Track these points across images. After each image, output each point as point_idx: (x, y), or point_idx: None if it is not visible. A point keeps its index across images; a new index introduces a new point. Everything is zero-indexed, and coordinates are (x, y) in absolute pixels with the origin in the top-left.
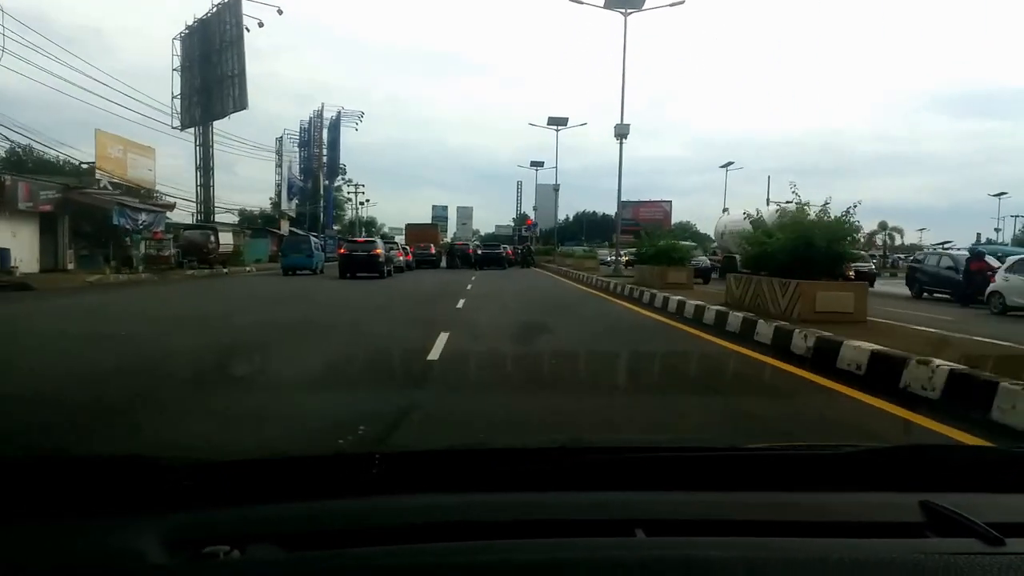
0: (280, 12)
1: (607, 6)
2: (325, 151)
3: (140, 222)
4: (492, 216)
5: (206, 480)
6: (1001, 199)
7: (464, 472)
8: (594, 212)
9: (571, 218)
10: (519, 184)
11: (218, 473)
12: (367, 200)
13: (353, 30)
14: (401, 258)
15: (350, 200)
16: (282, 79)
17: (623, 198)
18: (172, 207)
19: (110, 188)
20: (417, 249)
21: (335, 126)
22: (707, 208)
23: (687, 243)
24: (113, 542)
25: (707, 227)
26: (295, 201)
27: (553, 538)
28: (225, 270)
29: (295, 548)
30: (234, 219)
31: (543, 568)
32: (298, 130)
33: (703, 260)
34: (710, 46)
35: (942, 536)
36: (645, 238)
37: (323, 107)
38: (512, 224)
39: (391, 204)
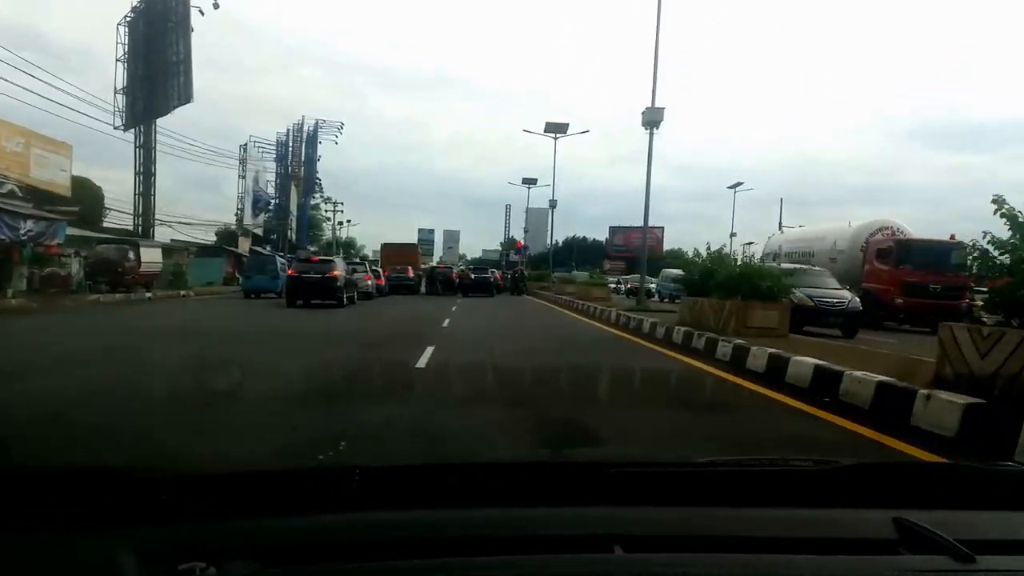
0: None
1: None
2: (303, 165)
3: (23, 232)
4: (479, 241)
5: (183, 494)
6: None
7: (443, 487)
8: (584, 237)
9: (560, 243)
10: (507, 208)
11: (195, 487)
12: (347, 221)
13: (341, 51)
14: (370, 282)
15: (329, 219)
16: (269, 99)
17: (613, 223)
18: (74, 213)
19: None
20: (392, 272)
21: (312, 138)
22: (689, 236)
23: (776, 266)
24: (87, 557)
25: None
26: (263, 217)
27: (532, 554)
28: (148, 294)
29: (273, 564)
30: (210, 238)
31: None
32: (274, 143)
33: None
34: (691, 74)
35: (915, 552)
36: (703, 259)
37: (303, 120)
38: (500, 248)
39: (377, 227)
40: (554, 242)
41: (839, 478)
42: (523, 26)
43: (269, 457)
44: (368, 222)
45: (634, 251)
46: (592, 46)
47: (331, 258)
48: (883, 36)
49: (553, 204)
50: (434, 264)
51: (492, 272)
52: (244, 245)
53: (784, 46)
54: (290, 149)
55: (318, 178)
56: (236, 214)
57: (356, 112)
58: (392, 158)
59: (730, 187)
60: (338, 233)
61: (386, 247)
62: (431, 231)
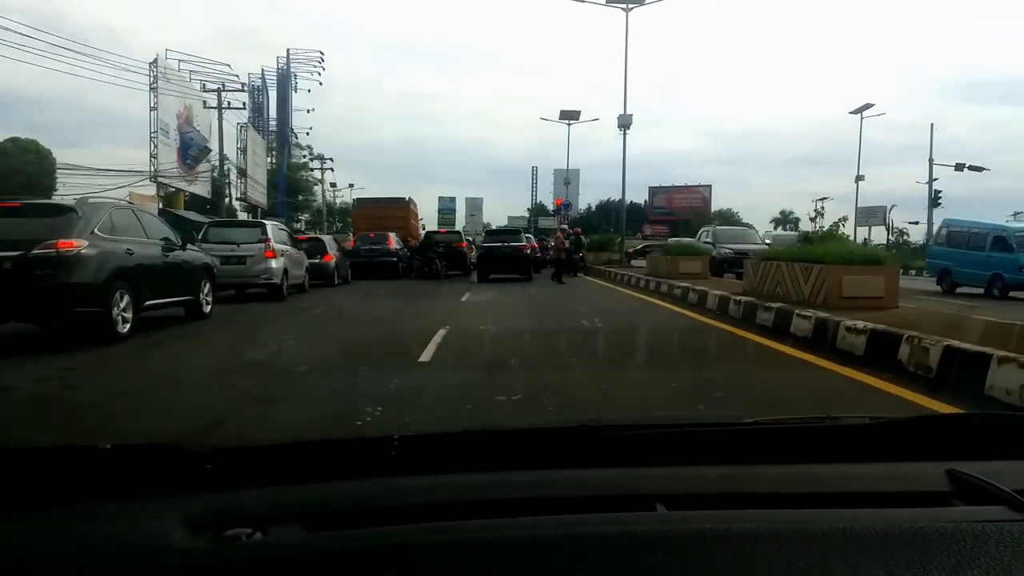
0: None
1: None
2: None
3: None
4: (505, 209)
5: (227, 464)
6: None
7: (482, 452)
8: (619, 200)
9: (593, 208)
10: (534, 169)
11: (239, 458)
12: (350, 185)
13: (364, 23)
14: (300, 268)
15: (319, 182)
16: (303, 91)
17: (657, 182)
18: None
19: None
20: (363, 242)
21: (284, 79)
22: (723, 200)
23: None
24: (134, 525)
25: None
26: (209, 171)
27: (573, 514)
28: None
29: (316, 528)
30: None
31: (562, 543)
32: (246, 88)
33: None
34: (721, 33)
35: (969, 504)
36: None
37: (289, 54)
38: (527, 215)
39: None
40: (587, 206)
41: (887, 432)
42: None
43: None
44: (388, 192)
45: (679, 213)
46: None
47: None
48: None
49: (568, 180)
50: (431, 232)
51: (526, 238)
52: (151, 207)
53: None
54: (266, 98)
55: (292, 131)
56: (151, 161)
57: (378, 81)
58: (415, 129)
59: (854, 111)
60: (329, 197)
61: (360, 204)
62: (452, 199)
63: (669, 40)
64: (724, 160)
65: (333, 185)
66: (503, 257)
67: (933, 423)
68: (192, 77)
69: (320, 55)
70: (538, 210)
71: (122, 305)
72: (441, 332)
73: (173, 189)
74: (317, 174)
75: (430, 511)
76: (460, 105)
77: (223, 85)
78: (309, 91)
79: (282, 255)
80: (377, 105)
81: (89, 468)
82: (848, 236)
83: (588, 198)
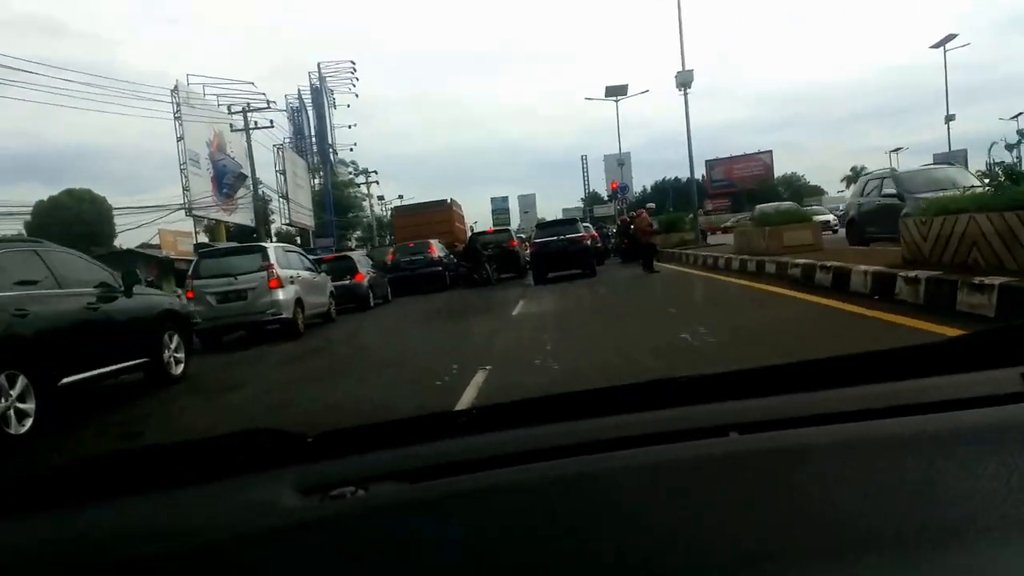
0: None
1: None
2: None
3: None
4: (557, 203)
5: (326, 440)
6: None
7: (559, 410)
8: (676, 178)
9: (648, 189)
10: (583, 158)
11: (336, 436)
12: (399, 197)
13: (404, 40)
14: (323, 295)
15: (366, 197)
16: (342, 107)
17: (709, 157)
18: None
19: None
20: (402, 253)
21: (317, 94)
22: (782, 166)
23: None
24: (249, 495)
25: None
26: (244, 198)
27: (648, 447)
28: None
29: (414, 482)
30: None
31: (642, 471)
32: (284, 108)
33: None
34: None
35: None
36: None
37: (320, 68)
38: (582, 204)
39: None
40: (643, 188)
41: (958, 346)
42: None
43: None
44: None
45: (740, 184)
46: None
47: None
48: None
49: (621, 161)
50: (476, 233)
51: (584, 228)
52: (180, 246)
53: None
54: (305, 118)
55: (331, 146)
56: (185, 193)
57: (419, 96)
58: (461, 134)
59: (934, 46)
60: (379, 211)
61: (399, 213)
62: (505, 199)
63: (711, 10)
64: (776, 125)
65: (381, 198)
66: (560, 252)
67: (1005, 333)
68: (219, 102)
69: (352, 66)
70: (592, 199)
71: (13, 393)
72: (477, 380)
73: (212, 221)
74: (364, 189)
75: (513, 459)
76: (503, 105)
77: (248, 105)
78: (348, 106)
79: (292, 282)
80: (421, 116)
81: (199, 457)
82: None
83: (642, 180)
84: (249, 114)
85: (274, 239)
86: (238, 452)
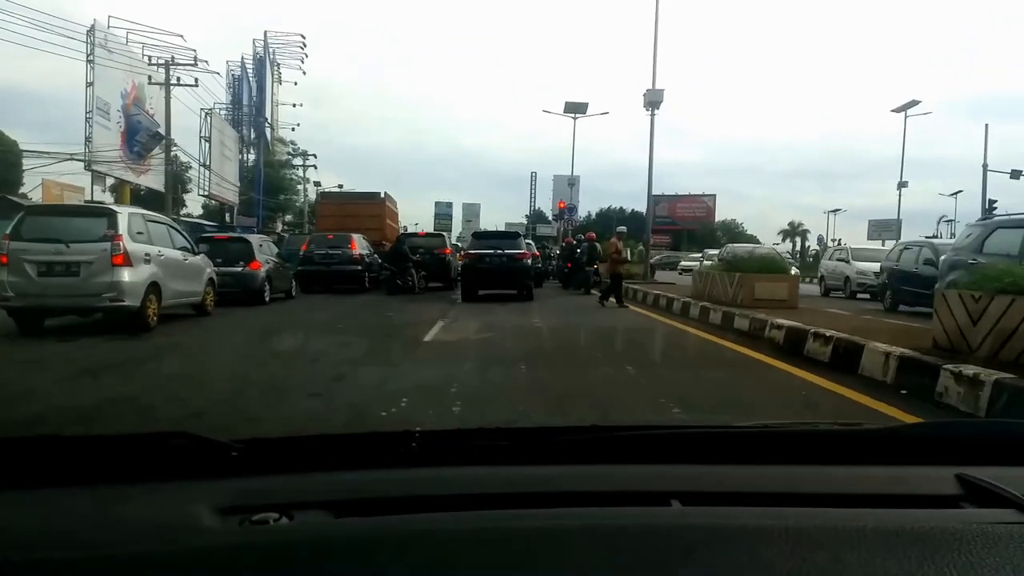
0: None
1: None
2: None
3: None
4: (503, 216)
5: (253, 453)
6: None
7: (498, 448)
8: (621, 208)
9: (594, 215)
10: (533, 175)
11: (265, 447)
12: (338, 186)
13: (365, 33)
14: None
15: (302, 181)
16: (288, 84)
17: (664, 188)
18: None
19: None
20: (317, 244)
21: (260, 65)
22: (722, 211)
23: None
24: (165, 506)
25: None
26: (158, 160)
27: (589, 507)
28: None
29: (341, 515)
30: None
31: (580, 535)
32: (225, 75)
33: None
34: (720, 47)
35: (979, 507)
36: None
37: (267, 36)
38: (526, 221)
39: (402, 206)
40: (587, 214)
41: (896, 437)
42: (548, 8)
43: None
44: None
45: (682, 223)
46: (613, 28)
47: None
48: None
49: (572, 182)
50: (411, 231)
51: (524, 245)
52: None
53: (811, 19)
54: (247, 87)
55: (266, 120)
56: (86, 145)
57: (380, 88)
58: (414, 137)
59: (896, 110)
60: (311, 196)
61: (325, 200)
62: (449, 204)
63: (666, 55)
64: (722, 171)
65: (318, 184)
66: (496, 268)
67: (942, 429)
68: (144, 52)
69: (302, 39)
70: (537, 216)
71: None
72: None
73: (118, 180)
74: (301, 172)
75: (450, 501)
76: (459, 111)
77: (172, 58)
78: (296, 84)
79: (148, 261)
80: (376, 110)
81: (116, 454)
82: None
83: (587, 206)
84: (173, 69)
85: (181, 213)
86: (150, 455)
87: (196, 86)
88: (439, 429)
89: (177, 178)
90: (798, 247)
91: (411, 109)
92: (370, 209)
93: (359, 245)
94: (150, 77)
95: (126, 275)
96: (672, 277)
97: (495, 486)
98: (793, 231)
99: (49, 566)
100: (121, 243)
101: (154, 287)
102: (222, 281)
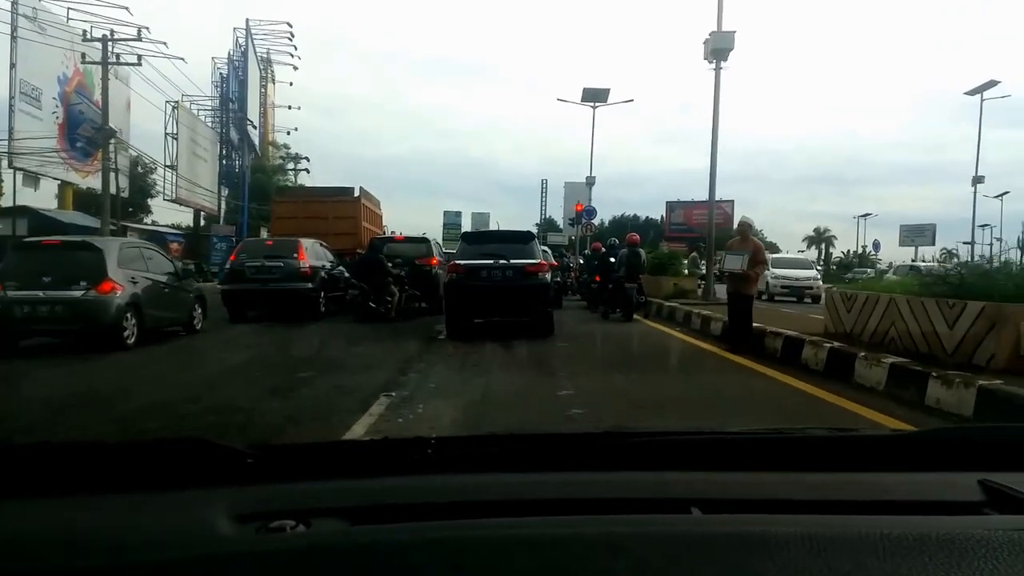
0: None
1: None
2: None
3: None
4: (513, 225)
5: (270, 460)
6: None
7: (514, 455)
8: (635, 215)
9: (606, 223)
10: (543, 182)
11: (281, 454)
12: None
13: (376, 43)
14: None
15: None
16: (303, 92)
17: (655, 205)
18: None
19: None
20: (249, 254)
21: (242, 59)
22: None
23: None
24: (182, 514)
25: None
26: (110, 155)
27: (607, 514)
28: None
29: (357, 523)
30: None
31: (599, 543)
32: (212, 79)
33: None
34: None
35: (1002, 513)
36: None
37: (249, 25)
38: (536, 231)
39: (403, 213)
40: (601, 221)
41: (918, 443)
42: (557, 11)
43: None
44: (397, 208)
45: (697, 230)
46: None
47: None
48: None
49: (591, 182)
50: (384, 235)
51: (540, 252)
52: None
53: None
54: (230, 87)
55: (249, 120)
56: (10, 138)
57: (390, 99)
58: (424, 144)
59: (970, 92)
60: None
61: (282, 198)
62: (458, 214)
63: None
64: (729, 178)
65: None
66: (497, 287)
67: (964, 434)
68: (92, 33)
69: (289, 29)
70: (547, 225)
71: None
72: None
73: (59, 181)
74: (293, 178)
75: (467, 508)
76: (470, 121)
77: (111, 33)
78: (291, 84)
79: None
80: (384, 120)
81: (131, 462)
82: None
83: (599, 215)
84: (115, 46)
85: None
86: (166, 462)
87: (139, 64)
88: (454, 436)
89: (139, 181)
90: (822, 255)
91: (417, 119)
92: (341, 209)
93: (310, 254)
94: (84, 55)
95: None
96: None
97: (511, 493)
98: (819, 238)
99: (70, 574)
100: None
101: None
102: (48, 314)
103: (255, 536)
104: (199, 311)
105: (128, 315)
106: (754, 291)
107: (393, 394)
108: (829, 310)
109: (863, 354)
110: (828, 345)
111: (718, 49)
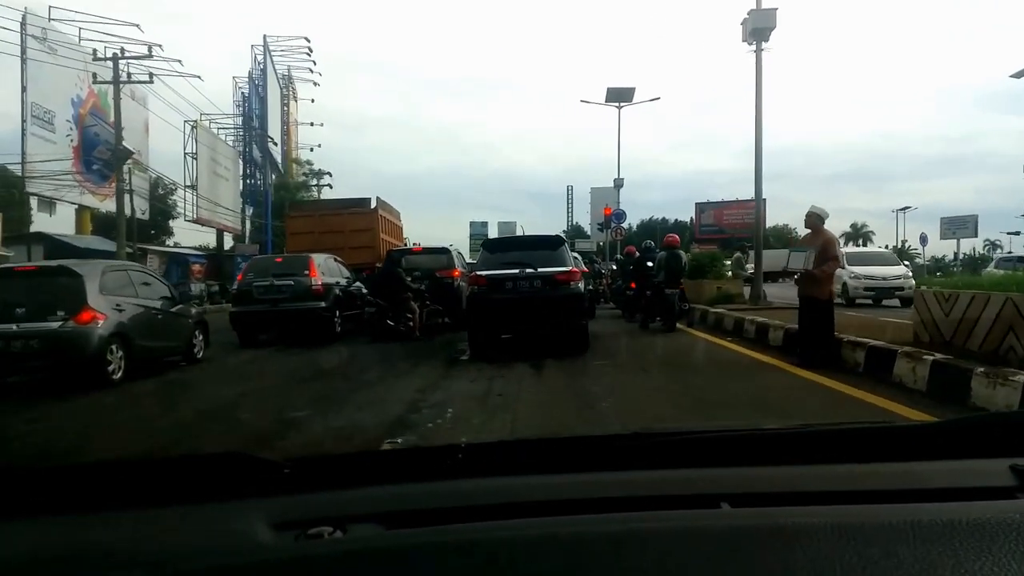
0: None
1: None
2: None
3: None
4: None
5: (305, 471)
6: None
7: (542, 457)
8: (663, 219)
9: (634, 227)
10: (569, 189)
11: (316, 464)
12: None
13: (398, 60)
14: None
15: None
16: (326, 110)
17: (677, 208)
18: None
19: None
20: (256, 273)
21: (262, 76)
22: (769, 217)
23: None
24: (221, 525)
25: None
26: (131, 177)
27: (638, 511)
28: None
29: (392, 527)
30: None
31: (630, 539)
32: (233, 98)
33: None
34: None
35: None
36: None
37: (266, 41)
38: (563, 237)
39: (429, 228)
40: (629, 226)
41: (948, 431)
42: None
43: None
44: (422, 222)
45: (729, 230)
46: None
47: None
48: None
49: (619, 183)
50: (403, 247)
51: (570, 258)
52: None
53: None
54: (252, 106)
55: (270, 137)
56: (24, 161)
57: (413, 115)
58: (449, 158)
59: (1016, 75)
60: None
61: (296, 213)
62: (484, 224)
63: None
64: (765, 176)
65: None
66: (524, 298)
67: (995, 421)
68: (106, 53)
69: (308, 44)
70: (574, 232)
71: None
72: None
73: (77, 206)
74: (316, 193)
75: (498, 510)
76: (494, 133)
77: (121, 51)
78: (313, 101)
79: None
80: (409, 135)
81: (173, 476)
82: None
83: (633, 216)
84: (128, 65)
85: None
86: (208, 476)
87: (151, 82)
88: (484, 442)
89: (160, 202)
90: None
91: (440, 132)
92: (358, 221)
93: (322, 270)
94: (95, 75)
95: None
96: (778, 291)
97: (541, 494)
98: (856, 234)
99: None
100: None
101: None
102: (22, 349)
103: (295, 543)
104: (200, 338)
105: (113, 347)
106: (828, 294)
107: (399, 440)
108: (920, 313)
109: (982, 369)
110: (930, 358)
111: (759, 29)
